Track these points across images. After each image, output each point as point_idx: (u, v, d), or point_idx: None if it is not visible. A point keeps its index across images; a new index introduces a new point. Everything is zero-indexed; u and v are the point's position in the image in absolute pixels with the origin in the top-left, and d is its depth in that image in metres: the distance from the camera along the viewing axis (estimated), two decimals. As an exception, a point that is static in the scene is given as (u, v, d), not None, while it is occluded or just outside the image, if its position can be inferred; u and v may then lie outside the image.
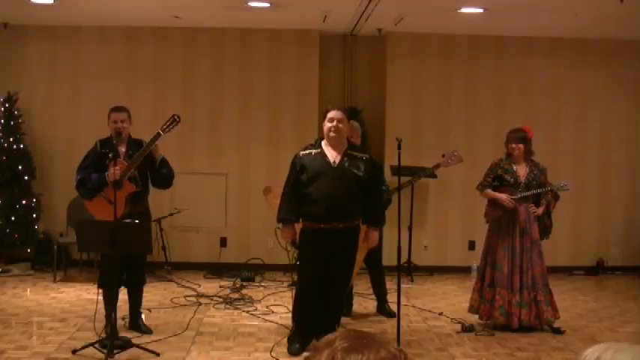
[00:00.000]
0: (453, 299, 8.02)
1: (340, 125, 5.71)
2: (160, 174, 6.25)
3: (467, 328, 6.60)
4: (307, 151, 5.82)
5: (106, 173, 5.99)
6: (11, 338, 6.09)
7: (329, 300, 5.85)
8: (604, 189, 9.72)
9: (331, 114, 5.73)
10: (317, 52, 9.49)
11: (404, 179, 6.90)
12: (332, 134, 5.70)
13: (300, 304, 5.88)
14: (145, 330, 6.31)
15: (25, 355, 5.64)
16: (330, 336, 1.53)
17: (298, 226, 5.91)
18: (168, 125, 6.04)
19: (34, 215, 9.11)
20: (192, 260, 9.35)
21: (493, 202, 6.71)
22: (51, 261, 8.71)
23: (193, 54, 9.47)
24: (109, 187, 5.95)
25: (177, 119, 6.05)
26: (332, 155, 5.74)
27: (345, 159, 5.74)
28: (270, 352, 5.84)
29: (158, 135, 6.00)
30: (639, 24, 8.22)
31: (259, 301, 7.67)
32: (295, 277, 6.63)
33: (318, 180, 5.68)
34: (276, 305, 7.40)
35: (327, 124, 5.71)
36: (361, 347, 1.45)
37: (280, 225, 5.99)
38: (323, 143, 5.81)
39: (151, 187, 6.41)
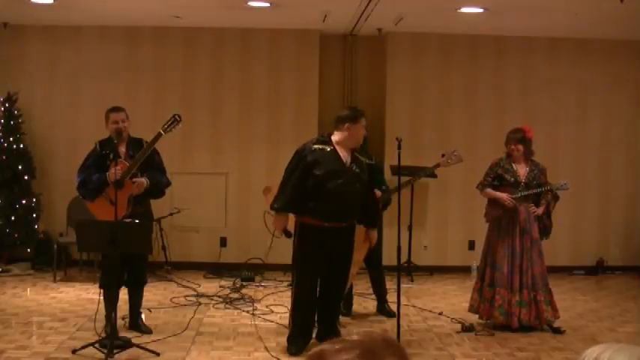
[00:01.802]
0: (453, 299, 8.03)
1: None
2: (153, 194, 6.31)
3: (467, 328, 6.60)
4: (320, 146, 5.71)
5: (107, 173, 6.00)
6: (11, 338, 6.10)
7: (328, 299, 5.84)
8: (604, 189, 9.72)
9: (364, 122, 5.86)
10: (317, 52, 9.49)
11: (404, 179, 6.90)
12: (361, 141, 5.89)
13: (299, 304, 5.86)
14: (145, 330, 6.31)
15: (25, 355, 5.64)
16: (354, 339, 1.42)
17: (291, 219, 5.89)
18: (170, 125, 6.05)
19: (34, 215, 9.11)
20: (192, 260, 9.35)
21: (493, 202, 6.71)
22: (51, 261, 8.70)
23: (193, 54, 9.47)
24: (110, 187, 5.96)
25: (178, 119, 6.06)
26: (344, 155, 5.75)
27: (352, 161, 5.77)
28: (268, 351, 5.85)
29: (159, 135, 6.01)
30: (639, 24, 8.22)
31: (259, 300, 7.67)
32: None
33: (334, 178, 5.63)
34: (276, 305, 7.41)
35: (363, 132, 5.82)
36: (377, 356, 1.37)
37: (273, 212, 5.87)
38: (334, 141, 5.78)
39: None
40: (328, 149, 5.71)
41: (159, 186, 6.30)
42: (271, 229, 5.95)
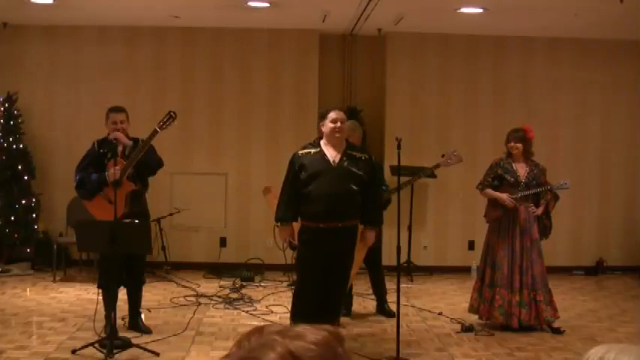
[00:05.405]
0: (453, 299, 8.02)
1: (343, 125, 5.78)
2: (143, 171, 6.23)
3: (466, 328, 6.60)
4: (306, 150, 5.81)
5: (106, 173, 5.99)
6: (11, 338, 6.09)
7: (328, 300, 5.84)
8: (604, 189, 9.72)
9: (335, 115, 5.75)
10: (316, 52, 9.49)
11: (404, 179, 6.89)
12: (337, 135, 5.73)
13: (299, 304, 5.85)
14: (145, 330, 6.31)
15: (25, 355, 5.64)
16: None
17: (296, 226, 5.90)
18: (165, 122, 6.01)
19: (34, 215, 9.10)
20: (192, 260, 9.34)
21: (493, 202, 6.71)
22: (51, 261, 8.70)
23: (193, 54, 9.46)
24: (109, 186, 5.95)
25: (174, 115, 6.02)
26: (332, 155, 5.74)
27: (345, 158, 5.74)
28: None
29: (155, 132, 5.96)
30: (639, 24, 8.22)
31: (259, 301, 7.67)
32: (295, 277, 6.63)
33: (318, 179, 5.67)
34: (276, 305, 7.40)
35: (331, 125, 5.71)
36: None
37: (278, 224, 5.95)
38: (322, 143, 5.80)
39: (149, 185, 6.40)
40: (314, 151, 5.76)
41: (149, 162, 6.14)
42: (279, 240, 5.98)
